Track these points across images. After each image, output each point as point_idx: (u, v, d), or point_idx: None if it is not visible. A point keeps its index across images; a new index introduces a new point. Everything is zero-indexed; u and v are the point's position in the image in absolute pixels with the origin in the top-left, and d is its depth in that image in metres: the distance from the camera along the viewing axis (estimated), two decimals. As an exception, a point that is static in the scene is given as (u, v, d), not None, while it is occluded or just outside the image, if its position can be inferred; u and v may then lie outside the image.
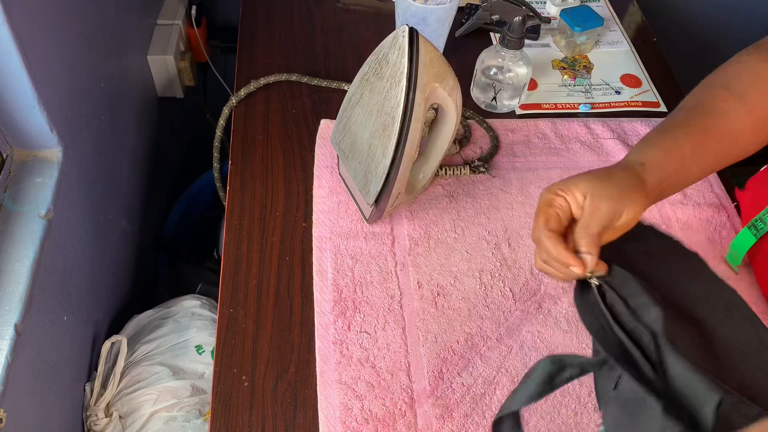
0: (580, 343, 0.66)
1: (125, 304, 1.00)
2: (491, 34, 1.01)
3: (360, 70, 0.65)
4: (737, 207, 0.79)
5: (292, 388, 0.62)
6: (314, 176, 0.79)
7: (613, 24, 1.05)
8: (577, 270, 0.49)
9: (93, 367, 0.84)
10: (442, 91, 0.63)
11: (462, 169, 0.80)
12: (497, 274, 0.71)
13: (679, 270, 0.55)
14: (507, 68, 0.84)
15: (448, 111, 0.67)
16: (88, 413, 0.80)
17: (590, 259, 0.49)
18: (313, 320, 0.66)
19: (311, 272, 0.70)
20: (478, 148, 0.83)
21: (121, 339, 0.83)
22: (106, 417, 0.79)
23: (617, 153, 0.83)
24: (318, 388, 0.61)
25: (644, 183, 0.51)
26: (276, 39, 0.97)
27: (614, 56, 0.99)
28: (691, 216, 0.77)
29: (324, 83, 0.89)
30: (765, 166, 0.77)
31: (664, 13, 1.42)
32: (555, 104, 0.91)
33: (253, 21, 1.00)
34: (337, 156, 0.75)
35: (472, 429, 0.60)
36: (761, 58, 0.58)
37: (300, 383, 0.62)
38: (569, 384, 0.51)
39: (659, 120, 0.88)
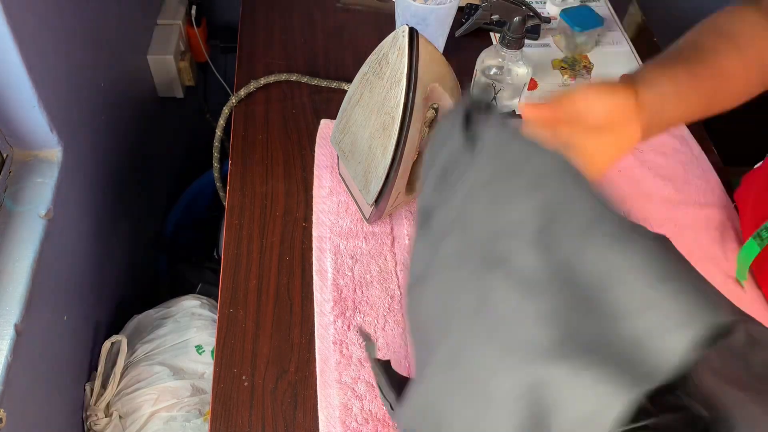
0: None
1: (125, 304, 1.00)
2: (491, 34, 1.01)
3: (360, 70, 0.65)
4: (736, 208, 0.79)
5: (292, 388, 0.62)
6: (314, 176, 0.79)
7: (613, 24, 1.05)
8: None
9: (93, 367, 0.84)
10: (442, 91, 0.63)
11: (462, 169, 0.79)
12: (497, 274, 0.71)
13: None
14: (507, 68, 0.84)
15: (448, 111, 0.67)
16: (88, 413, 0.80)
17: None
18: (313, 320, 0.66)
19: (311, 272, 0.70)
20: (478, 148, 0.83)
21: (121, 339, 0.83)
22: (106, 417, 0.79)
23: (617, 153, 0.83)
24: (318, 388, 0.61)
25: (638, 97, 0.52)
26: (276, 39, 0.97)
27: (614, 56, 0.99)
28: (692, 216, 0.77)
29: (324, 83, 0.89)
30: (762, 161, 0.77)
31: (664, 14, 1.42)
32: (555, 104, 0.91)
33: (253, 21, 1.00)
34: (337, 156, 0.75)
35: (472, 429, 0.60)
36: (760, 13, 0.58)
37: (300, 383, 0.62)
38: None
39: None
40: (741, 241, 0.75)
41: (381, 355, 0.63)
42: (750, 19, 0.58)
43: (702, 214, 0.77)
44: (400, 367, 0.63)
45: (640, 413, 0.40)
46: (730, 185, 0.82)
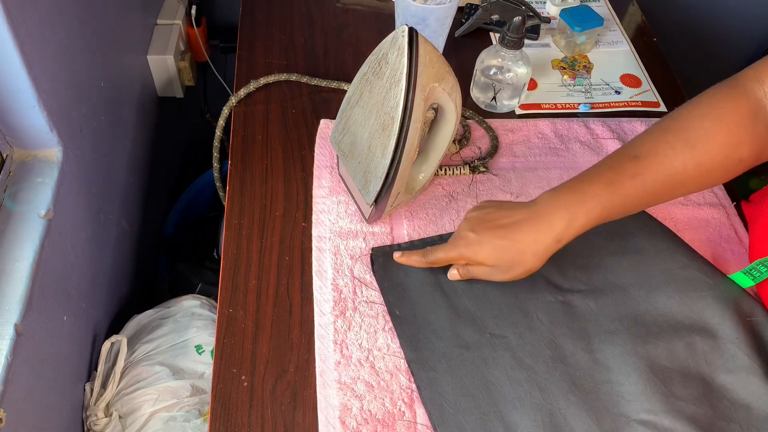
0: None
1: (125, 304, 1.00)
2: (491, 34, 1.01)
3: (360, 70, 0.65)
4: (737, 206, 0.79)
5: (291, 388, 0.62)
6: (314, 176, 0.79)
7: (613, 24, 1.05)
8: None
9: (93, 367, 0.84)
10: (442, 91, 0.63)
11: (462, 169, 0.80)
12: (497, 274, 0.71)
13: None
14: (507, 68, 0.84)
15: (448, 111, 0.67)
16: (88, 413, 0.80)
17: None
18: (313, 320, 0.66)
19: (311, 272, 0.70)
20: (477, 148, 0.83)
21: (121, 339, 0.83)
22: (105, 417, 0.79)
23: (617, 153, 0.83)
24: (317, 388, 0.61)
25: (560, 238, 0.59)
26: (276, 39, 0.98)
27: (614, 56, 0.99)
28: (691, 216, 0.77)
29: (324, 83, 0.89)
30: None
31: (664, 13, 1.42)
32: (555, 104, 0.91)
33: (253, 21, 1.00)
34: (337, 156, 0.75)
35: (472, 429, 0.60)
36: (728, 95, 0.59)
37: (299, 383, 0.62)
38: None
39: (658, 120, 0.88)
40: (742, 244, 0.75)
41: (380, 355, 0.64)
42: (717, 113, 0.59)
43: (702, 213, 0.77)
44: (398, 368, 0.63)
45: None
46: (730, 184, 0.82)
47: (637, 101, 0.92)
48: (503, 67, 0.85)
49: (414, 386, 0.62)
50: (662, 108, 0.92)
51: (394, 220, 0.75)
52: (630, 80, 0.95)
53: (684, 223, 0.76)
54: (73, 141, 0.75)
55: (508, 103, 0.88)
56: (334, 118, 0.81)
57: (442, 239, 0.72)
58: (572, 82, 0.95)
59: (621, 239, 0.71)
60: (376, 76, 0.62)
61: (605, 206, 0.57)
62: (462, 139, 0.84)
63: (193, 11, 1.17)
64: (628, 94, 0.93)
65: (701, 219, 0.77)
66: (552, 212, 0.58)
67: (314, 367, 0.63)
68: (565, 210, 0.57)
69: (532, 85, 0.93)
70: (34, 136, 0.70)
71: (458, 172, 0.79)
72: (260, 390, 0.61)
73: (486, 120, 0.87)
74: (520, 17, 0.79)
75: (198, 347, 0.87)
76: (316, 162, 0.80)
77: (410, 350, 0.63)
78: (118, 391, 0.81)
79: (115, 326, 0.93)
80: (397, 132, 0.61)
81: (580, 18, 0.95)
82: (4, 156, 0.70)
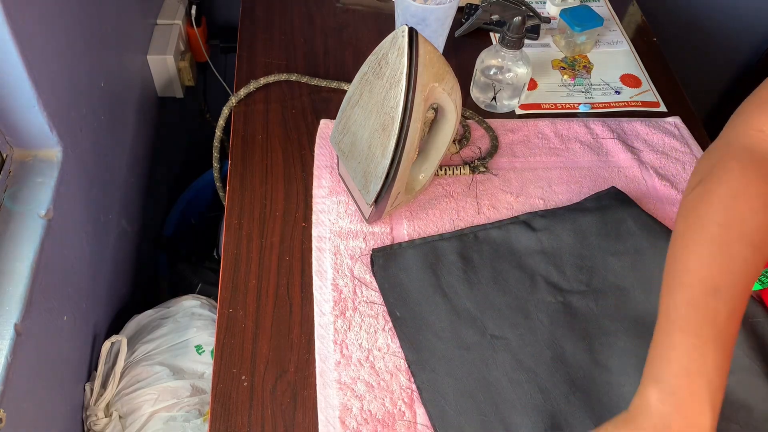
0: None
1: (125, 304, 1.00)
2: (491, 34, 1.01)
3: (360, 70, 0.65)
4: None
5: (291, 388, 0.62)
6: (314, 176, 0.79)
7: (613, 24, 1.05)
8: None
9: (93, 367, 0.84)
10: (442, 91, 0.63)
11: (462, 169, 0.80)
12: (497, 274, 0.71)
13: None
14: (507, 68, 0.84)
15: (448, 111, 0.67)
16: (87, 413, 0.80)
17: None
18: (313, 320, 0.66)
19: (311, 272, 0.70)
20: (477, 148, 0.83)
21: (121, 339, 0.83)
22: (105, 417, 0.79)
23: (617, 153, 0.83)
24: (317, 388, 0.61)
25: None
26: (276, 39, 0.98)
27: (614, 56, 0.99)
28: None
29: (324, 83, 0.89)
30: None
31: (664, 13, 1.42)
32: (555, 104, 0.91)
33: (252, 21, 1.01)
34: (337, 156, 0.75)
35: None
36: (764, 177, 0.55)
37: (299, 383, 0.62)
38: None
39: (658, 120, 0.89)
40: None
41: (380, 355, 0.64)
42: (761, 191, 0.54)
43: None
44: (399, 368, 0.63)
45: None
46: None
47: (637, 101, 0.92)
48: (503, 67, 0.85)
49: (414, 386, 0.62)
50: (662, 108, 0.92)
51: (394, 220, 0.75)
52: (630, 80, 0.95)
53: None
54: (73, 141, 0.75)
55: (508, 103, 0.88)
56: (334, 118, 0.81)
57: (442, 239, 0.72)
58: (572, 82, 0.95)
59: (621, 239, 0.71)
60: (376, 76, 0.62)
61: (726, 366, 0.50)
62: (462, 139, 0.84)
63: (193, 11, 1.17)
64: (628, 94, 0.93)
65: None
66: (689, 411, 0.48)
67: (314, 367, 0.63)
68: (700, 400, 0.48)
69: (532, 85, 0.93)
70: (34, 136, 0.70)
71: (458, 172, 0.79)
72: (260, 390, 0.61)
73: (486, 120, 0.87)
74: (520, 17, 0.79)
75: (198, 347, 0.87)
76: (316, 162, 0.80)
77: (411, 351, 0.63)
78: (118, 391, 0.81)
79: (115, 326, 0.93)
80: (397, 132, 0.61)
81: (580, 18, 0.95)
82: (4, 156, 0.70)
